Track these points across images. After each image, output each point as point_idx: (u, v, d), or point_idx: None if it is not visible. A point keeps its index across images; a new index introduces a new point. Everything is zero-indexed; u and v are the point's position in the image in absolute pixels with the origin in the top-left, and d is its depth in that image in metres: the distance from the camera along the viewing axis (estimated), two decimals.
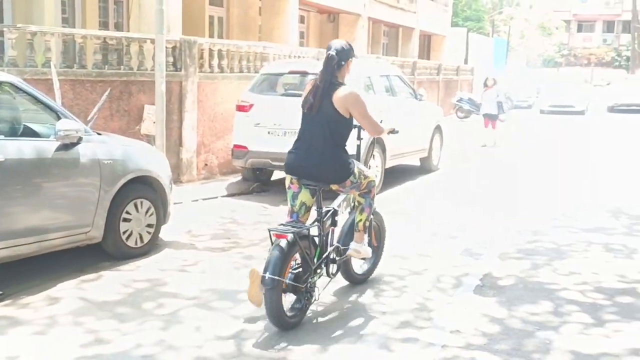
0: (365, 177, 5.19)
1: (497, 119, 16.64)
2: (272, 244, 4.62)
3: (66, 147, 5.74)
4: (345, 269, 5.50)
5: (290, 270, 4.66)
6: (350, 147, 5.17)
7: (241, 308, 5.09)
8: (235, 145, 9.91)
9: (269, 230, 4.71)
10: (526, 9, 60.88)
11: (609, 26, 72.64)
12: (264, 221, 8.18)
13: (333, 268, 5.24)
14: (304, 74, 10.14)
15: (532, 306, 5.26)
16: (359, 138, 5.68)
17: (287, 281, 4.58)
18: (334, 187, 5.10)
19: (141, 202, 6.50)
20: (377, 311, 5.12)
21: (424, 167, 12.14)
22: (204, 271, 6.11)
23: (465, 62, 33.03)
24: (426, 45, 31.40)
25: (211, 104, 10.83)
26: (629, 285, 5.87)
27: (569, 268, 6.34)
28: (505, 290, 5.69)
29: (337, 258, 5.24)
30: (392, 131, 5.99)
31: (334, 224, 5.27)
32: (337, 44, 5.12)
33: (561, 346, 4.47)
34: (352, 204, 5.41)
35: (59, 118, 5.80)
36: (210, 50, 10.84)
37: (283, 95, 9.94)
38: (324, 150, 4.91)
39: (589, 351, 4.39)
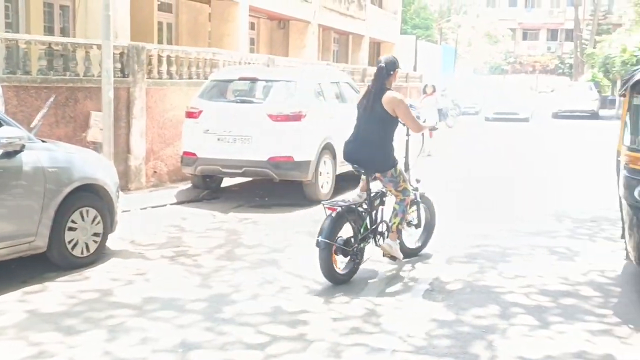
0: (404, 180, 6.26)
1: (435, 128, 15.93)
2: (326, 215, 5.86)
3: (8, 155, 5.59)
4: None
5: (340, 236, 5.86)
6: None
7: (187, 317, 5.03)
8: (184, 152, 9.81)
9: (322, 204, 6.06)
10: (473, 17, 61.93)
11: (553, 34, 74.55)
12: (213, 229, 8.11)
13: (381, 240, 6.28)
14: (253, 80, 10.13)
15: (480, 309, 5.33)
16: (407, 134, 6.69)
17: (337, 244, 5.75)
18: (377, 175, 6.20)
19: (87, 211, 6.37)
20: (327, 317, 5.12)
21: None
22: (151, 280, 6.01)
23: (414, 69, 33.40)
24: (376, 52, 31.66)
25: (160, 110, 10.70)
26: (571, 287, 6.01)
27: (514, 271, 6.46)
28: (454, 294, 5.76)
29: (385, 232, 6.31)
30: (432, 128, 7.88)
31: (382, 203, 6.38)
32: (386, 58, 6.32)
33: (507, 350, 4.54)
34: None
35: (0, 125, 5.64)
36: (159, 57, 10.71)
37: (233, 101, 9.89)
38: (374, 143, 6.06)
39: (534, 354, 4.47)
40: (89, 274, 6.12)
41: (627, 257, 6.25)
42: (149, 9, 15.78)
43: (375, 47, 31.47)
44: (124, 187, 9.61)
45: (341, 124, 10.29)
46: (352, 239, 5.95)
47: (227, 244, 7.35)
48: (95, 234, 6.47)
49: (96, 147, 9.29)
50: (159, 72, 10.69)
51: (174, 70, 11.01)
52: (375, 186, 6.36)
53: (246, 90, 10.20)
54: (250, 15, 18.34)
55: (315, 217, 8.71)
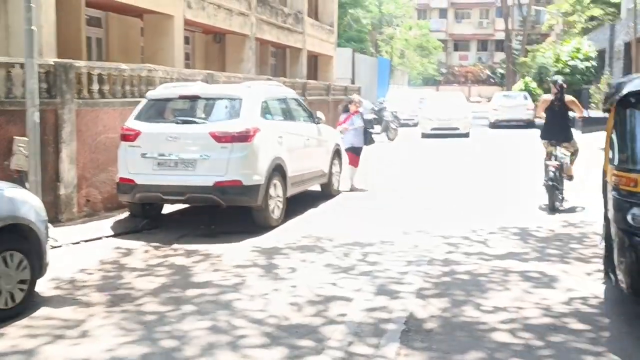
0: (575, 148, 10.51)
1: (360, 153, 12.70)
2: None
3: None
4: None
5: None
6: None
7: None
8: (120, 179, 8.96)
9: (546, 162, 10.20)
10: (405, 30, 62.47)
11: (483, 45, 76.09)
12: (155, 265, 7.30)
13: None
14: (195, 98, 9.40)
15: (466, 356, 4.74)
16: None
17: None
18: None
19: (11, 255, 5.52)
20: None
21: (325, 193, 11.58)
22: (85, 335, 5.18)
23: (352, 82, 33.13)
24: (313, 65, 31.17)
25: (92, 133, 9.78)
26: (557, 319, 5.50)
27: (491, 303, 5.93)
28: (433, 335, 5.16)
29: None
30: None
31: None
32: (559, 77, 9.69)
33: None
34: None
35: None
36: (89, 75, 9.79)
37: (173, 122, 9.10)
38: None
39: None
40: (10, 331, 5.24)
41: (611, 281, 5.80)
42: (77, 23, 14.72)
43: (313, 60, 30.98)
44: (54, 219, 8.67)
45: (291, 142, 9.72)
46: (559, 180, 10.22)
47: (173, 284, 6.56)
48: (22, 281, 5.61)
49: (21, 175, 8.35)
50: (90, 92, 9.78)
51: (107, 89, 10.13)
52: None
53: (187, 109, 9.43)
54: (185, 30, 17.51)
55: (267, 246, 8.05)
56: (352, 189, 12.32)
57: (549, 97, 10.75)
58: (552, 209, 10.11)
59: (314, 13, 29.89)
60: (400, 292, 6.24)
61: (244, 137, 8.64)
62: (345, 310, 5.71)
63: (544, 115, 10.69)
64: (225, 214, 9.50)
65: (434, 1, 75.13)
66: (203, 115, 9.24)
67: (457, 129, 26.05)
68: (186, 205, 10.14)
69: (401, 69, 63.98)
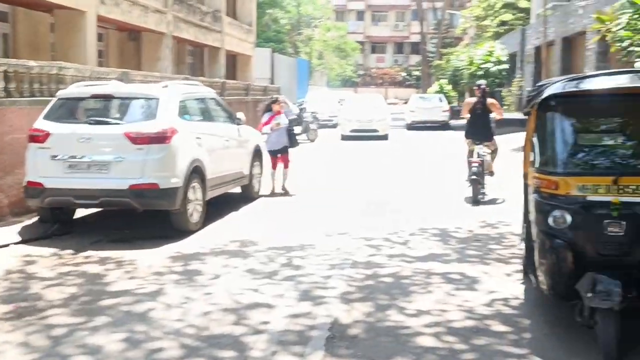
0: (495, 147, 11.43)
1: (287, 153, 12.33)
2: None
3: None
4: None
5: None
6: None
7: None
8: (28, 182, 8.45)
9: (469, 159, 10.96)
10: (324, 31, 62.70)
11: (400, 48, 77.33)
12: (66, 273, 6.90)
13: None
14: (109, 97, 8.98)
15: None
16: None
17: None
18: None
19: None
20: None
21: (246, 195, 11.34)
22: None
23: (272, 82, 32.89)
24: (232, 65, 30.75)
25: None
26: (479, 322, 5.50)
27: (415, 306, 5.89)
28: (358, 341, 5.05)
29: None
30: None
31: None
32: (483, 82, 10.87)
33: None
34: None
35: None
36: None
37: (86, 122, 8.65)
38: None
39: None
40: None
41: (531, 282, 5.86)
42: None
43: (232, 59, 30.57)
44: None
45: (210, 144, 9.45)
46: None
47: (85, 294, 6.20)
48: None
49: None
50: None
51: (13, 87, 9.55)
52: None
53: (100, 109, 9.00)
54: (98, 26, 16.84)
55: (186, 251, 7.77)
56: (272, 193, 12.03)
57: (473, 99, 11.61)
58: (475, 201, 10.94)
59: (232, 12, 29.50)
60: (324, 297, 6.11)
61: (160, 138, 8.31)
62: (268, 318, 5.53)
63: (468, 116, 11.48)
64: (141, 218, 9.14)
65: (352, 3, 75.80)
66: (117, 116, 8.84)
67: (376, 131, 25.77)
68: (100, 210, 9.69)
69: (320, 70, 64.21)
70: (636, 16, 7.44)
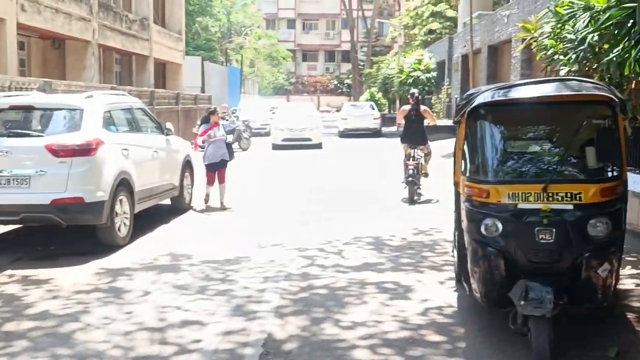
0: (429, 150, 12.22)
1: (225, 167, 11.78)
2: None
3: None
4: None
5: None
6: None
7: None
8: None
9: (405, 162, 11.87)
10: (255, 39, 62.52)
11: (331, 56, 77.83)
12: None
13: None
14: (29, 108, 8.59)
15: None
16: None
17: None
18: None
19: None
20: None
21: (176, 207, 11.05)
22: None
23: (202, 90, 32.52)
24: (162, 73, 30.23)
25: None
26: (414, 332, 5.47)
27: (350, 318, 5.80)
28: (293, 357, 4.95)
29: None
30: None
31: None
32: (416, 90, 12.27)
33: None
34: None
35: None
36: None
37: (4, 135, 8.22)
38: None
39: None
40: None
41: (464, 289, 5.87)
42: None
43: (161, 68, 30.05)
44: None
45: (137, 155, 9.17)
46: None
47: (3, 316, 5.86)
48: None
49: None
50: None
51: None
52: None
53: (20, 120, 8.59)
54: (19, 34, 16.22)
55: (114, 267, 7.48)
56: (207, 209, 11.44)
57: (407, 107, 12.31)
58: (412, 201, 11.73)
59: (160, 20, 29.00)
60: (258, 311, 5.96)
61: (85, 150, 7.99)
62: (199, 336, 5.34)
63: (403, 122, 12.25)
64: (66, 233, 8.76)
65: (282, 12, 75.85)
66: (39, 128, 8.46)
67: (309, 139, 25.32)
68: (21, 226, 9.25)
69: (252, 78, 63.99)
70: (559, 25, 7.57)
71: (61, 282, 6.93)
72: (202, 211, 11.31)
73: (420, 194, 11.94)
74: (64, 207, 7.86)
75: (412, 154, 12.06)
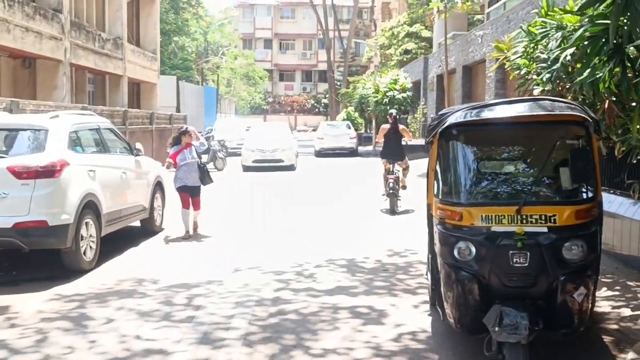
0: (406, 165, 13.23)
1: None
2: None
3: None
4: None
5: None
6: None
7: None
8: None
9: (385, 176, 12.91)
10: (231, 59, 62.48)
11: (308, 75, 78.01)
12: None
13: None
14: None
15: None
16: None
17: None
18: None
19: None
20: None
21: (146, 229, 10.79)
22: None
23: (178, 110, 32.28)
24: (136, 93, 29.94)
25: None
26: (386, 359, 5.28)
27: (321, 344, 5.62)
28: None
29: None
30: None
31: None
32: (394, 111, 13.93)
33: None
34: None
35: None
36: None
37: None
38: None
39: None
40: None
41: (437, 313, 5.72)
42: None
43: (135, 87, 29.78)
44: None
45: (105, 176, 8.95)
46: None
47: None
48: None
49: None
50: None
51: None
52: None
53: None
54: None
55: (78, 292, 7.22)
56: (184, 236, 10.50)
57: (387, 126, 13.42)
58: (392, 211, 12.90)
59: (135, 39, 28.77)
60: (226, 339, 5.74)
61: (49, 172, 7.75)
62: None
63: (382, 140, 13.41)
64: (29, 258, 8.48)
65: (259, 31, 75.98)
66: (2, 148, 8.17)
67: (280, 160, 24.01)
68: None
69: (228, 97, 63.82)
70: (532, 45, 7.51)
71: (21, 309, 6.66)
72: (180, 239, 10.45)
73: (399, 205, 13.10)
74: (27, 230, 7.60)
75: (391, 169, 13.11)
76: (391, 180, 12.91)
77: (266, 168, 23.70)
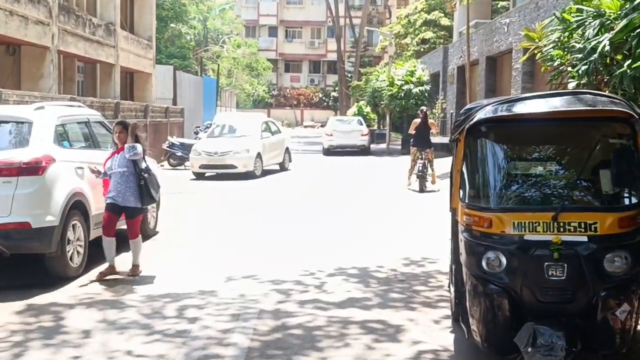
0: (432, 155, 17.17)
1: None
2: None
3: None
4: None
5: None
6: None
7: None
8: None
9: (414, 161, 17.04)
10: (233, 47, 62.44)
11: (316, 66, 77.95)
12: None
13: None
14: None
15: None
16: None
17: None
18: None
19: None
20: None
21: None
22: None
23: (174, 102, 32.22)
24: (129, 83, 29.94)
25: None
26: None
27: None
28: None
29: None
30: None
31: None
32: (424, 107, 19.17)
33: None
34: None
35: None
36: None
37: None
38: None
39: None
40: None
41: (460, 330, 5.59)
42: None
43: (129, 77, 29.76)
44: None
45: (94, 175, 8.82)
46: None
47: None
48: None
49: None
50: None
51: None
52: None
53: None
54: None
55: (61, 302, 7.14)
56: (132, 273, 8.36)
57: (418, 120, 17.38)
58: (422, 190, 16.62)
59: (129, 25, 28.75)
60: (224, 357, 5.62)
61: (33, 169, 7.66)
62: None
63: (414, 132, 17.34)
64: (9, 263, 8.37)
65: (263, 18, 75.96)
66: None
67: (232, 166, 20.58)
68: None
69: (229, 89, 63.81)
70: (567, 34, 7.35)
71: (2, 320, 6.56)
72: (94, 281, 8.01)
73: (426, 185, 16.78)
74: (8, 233, 7.51)
75: (419, 156, 16.88)
76: (420, 164, 16.71)
77: (216, 176, 20.91)
